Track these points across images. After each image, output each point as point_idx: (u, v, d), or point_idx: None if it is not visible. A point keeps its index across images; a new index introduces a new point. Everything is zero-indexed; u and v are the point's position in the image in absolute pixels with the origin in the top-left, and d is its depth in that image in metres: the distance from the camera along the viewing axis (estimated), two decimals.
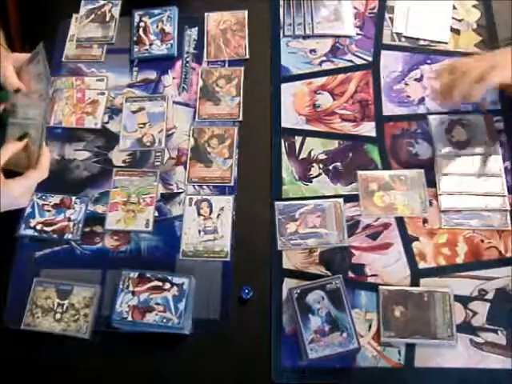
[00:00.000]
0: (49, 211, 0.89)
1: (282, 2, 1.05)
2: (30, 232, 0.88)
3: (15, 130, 0.78)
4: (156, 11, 1.05)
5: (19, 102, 0.80)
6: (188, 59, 1.01)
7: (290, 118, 0.94)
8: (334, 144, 0.91)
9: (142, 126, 0.95)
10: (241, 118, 0.94)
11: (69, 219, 0.88)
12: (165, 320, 0.78)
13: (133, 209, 0.88)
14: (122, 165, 0.93)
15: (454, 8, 1.01)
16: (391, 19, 1.01)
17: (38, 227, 0.88)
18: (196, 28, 1.04)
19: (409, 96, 0.94)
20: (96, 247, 0.87)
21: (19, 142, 0.75)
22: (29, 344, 0.81)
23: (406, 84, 0.95)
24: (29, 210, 0.89)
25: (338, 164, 0.90)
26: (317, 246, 0.84)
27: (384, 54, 0.98)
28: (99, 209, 0.89)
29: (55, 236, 0.87)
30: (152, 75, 1.01)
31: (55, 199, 0.90)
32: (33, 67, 0.79)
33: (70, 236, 0.87)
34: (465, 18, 1.00)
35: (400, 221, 0.84)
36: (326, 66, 0.98)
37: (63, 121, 0.97)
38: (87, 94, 0.99)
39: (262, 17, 1.04)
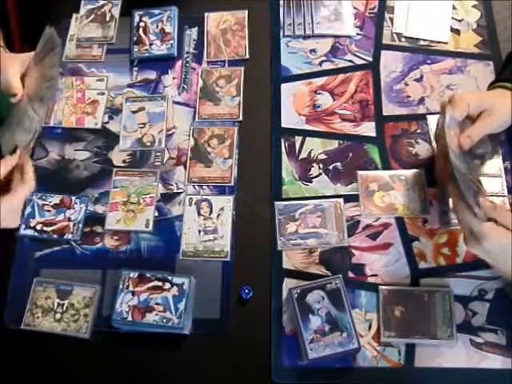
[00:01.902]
0: (49, 211, 0.89)
1: (281, 2, 1.05)
2: (30, 232, 0.87)
3: (9, 131, 0.78)
4: (156, 11, 1.05)
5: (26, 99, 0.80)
6: (188, 59, 1.01)
7: (290, 118, 0.94)
8: (334, 144, 0.91)
9: (141, 125, 0.95)
10: (241, 118, 0.94)
11: (69, 219, 0.88)
12: (165, 320, 0.77)
13: (133, 209, 0.88)
14: (122, 165, 0.93)
15: (454, 8, 1.01)
16: (391, 19, 1.01)
17: (38, 227, 0.88)
18: (196, 28, 1.04)
19: (409, 96, 0.94)
20: (96, 247, 0.87)
21: (13, 155, 0.74)
22: (29, 344, 0.81)
23: (406, 84, 0.95)
24: (29, 209, 0.89)
25: (338, 164, 0.90)
26: (317, 246, 0.84)
27: (384, 54, 0.98)
28: (99, 209, 0.89)
29: (55, 236, 0.87)
30: (152, 75, 1.00)
31: (55, 199, 0.90)
32: (48, 60, 0.79)
33: (70, 236, 0.87)
34: (465, 18, 1.00)
35: (400, 221, 0.84)
36: (326, 66, 0.98)
37: (63, 121, 0.97)
38: (87, 94, 0.99)
39: (262, 17, 1.04)
